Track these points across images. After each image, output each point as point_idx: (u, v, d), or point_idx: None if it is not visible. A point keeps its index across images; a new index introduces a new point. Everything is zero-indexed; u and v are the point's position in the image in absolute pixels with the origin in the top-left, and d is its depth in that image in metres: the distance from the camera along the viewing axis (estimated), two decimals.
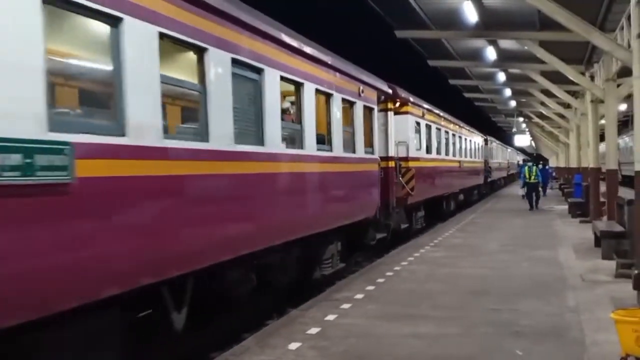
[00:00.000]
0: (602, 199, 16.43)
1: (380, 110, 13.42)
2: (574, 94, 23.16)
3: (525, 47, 16.19)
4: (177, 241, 5.55)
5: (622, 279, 8.83)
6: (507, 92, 29.08)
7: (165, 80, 5.53)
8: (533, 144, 69.24)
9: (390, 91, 14.02)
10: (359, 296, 8.39)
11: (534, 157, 71.21)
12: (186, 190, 5.74)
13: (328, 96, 9.77)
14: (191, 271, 5.84)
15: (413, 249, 13.03)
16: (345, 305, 7.84)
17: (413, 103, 16.21)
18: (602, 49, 11.95)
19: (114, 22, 4.86)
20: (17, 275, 3.85)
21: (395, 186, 14.38)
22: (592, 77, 18.07)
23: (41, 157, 4.01)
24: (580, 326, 6.62)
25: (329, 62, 9.73)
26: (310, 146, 8.88)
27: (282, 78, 7.93)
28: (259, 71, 7.36)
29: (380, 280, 9.54)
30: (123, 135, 4.90)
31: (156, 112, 5.34)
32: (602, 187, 16.38)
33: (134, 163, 5.01)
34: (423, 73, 30.30)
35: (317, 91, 9.20)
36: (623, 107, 26.71)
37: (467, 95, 32.85)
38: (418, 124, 16.85)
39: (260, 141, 7.37)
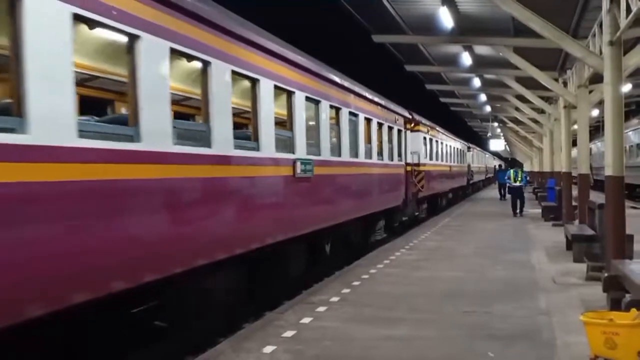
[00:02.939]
0: (574, 203, 16.71)
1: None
2: (547, 99, 23.50)
3: (500, 54, 16.42)
4: (330, 207, 11.08)
5: (592, 281, 8.98)
6: (483, 97, 29.42)
7: (330, 126, 11.02)
8: (507, 149, 70.12)
9: (410, 116, 19.81)
10: (335, 299, 8.41)
11: (509, 161, 72.04)
12: (336, 182, 11.38)
13: (380, 125, 15.32)
14: (331, 225, 11.09)
15: (389, 252, 13.10)
16: (321, 308, 7.86)
17: (423, 123, 21.82)
18: (574, 56, 12.15)
19: (318, 103, 10.45)
20: (288, 215, 9.01)
21: (411, 184, 19.10)
22: (565, 84, 18.35)
23: (306, 166, 9.51)
24: (551, 328, 6.73)
25: (383, 104, 15.63)
26: (374, 156, 14.51)
27: (365, 118, 13.59)
28: (356, 115, 12.87)
29: (356, 283, 9.57)
30: (319, 155, 10.37)
31: (328, 142, 10.86)
32: (575, 192, 16.65)
33: (322, 168, 10.39)
34: (400, 77, 30.55)
35: (377, 123, 14.88)
36: (595, 112, 27.30)
37: (443, 100, 33.18)
38: (425, 138, 22.14)
39: (356, 154, 12.85)
